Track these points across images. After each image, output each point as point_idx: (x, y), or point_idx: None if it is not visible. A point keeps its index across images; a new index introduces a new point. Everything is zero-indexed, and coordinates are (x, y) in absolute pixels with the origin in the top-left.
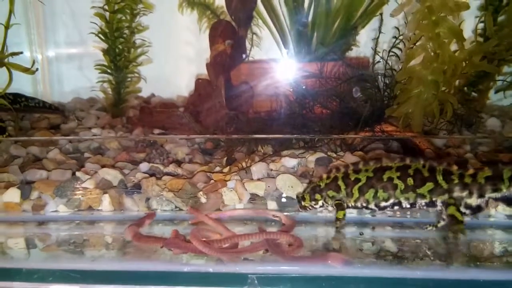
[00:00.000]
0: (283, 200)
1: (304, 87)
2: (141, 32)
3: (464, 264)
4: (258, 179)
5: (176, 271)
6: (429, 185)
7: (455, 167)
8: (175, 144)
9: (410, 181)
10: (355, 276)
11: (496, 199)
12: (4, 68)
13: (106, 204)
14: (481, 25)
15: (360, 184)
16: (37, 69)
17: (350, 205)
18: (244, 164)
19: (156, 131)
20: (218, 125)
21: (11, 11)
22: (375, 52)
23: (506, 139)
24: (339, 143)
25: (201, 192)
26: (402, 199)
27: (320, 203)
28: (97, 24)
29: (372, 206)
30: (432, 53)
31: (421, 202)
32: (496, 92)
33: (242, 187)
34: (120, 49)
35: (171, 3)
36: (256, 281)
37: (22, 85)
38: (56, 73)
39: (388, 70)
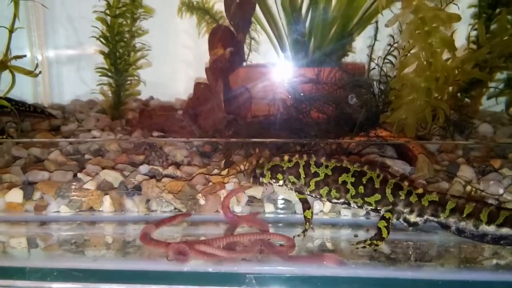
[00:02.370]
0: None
1: (301, 92)
2: (141, 36)
3: None
4: None
5: (176, 271)
6: (377, 196)
7: (406, 183)
8: (174, 146)
9: (361, 189)
10: (350, 276)
11: (432, 221)
12: (8, 70)
13: (107, 205)
14: (474, 33)
15: (317, 179)
16: (40, 72)
17: (306, 193)
18: (242, 167)
19: (155, 133)
20: (217, 129)
21: (15, 15)
22: (371, 59)
23: (497, 144)
24: (335, 147)
25: (200, 194)
26: (351, 202)
27: (280, 182)
28: (98, 28)
29: (324, 199)
30: (425, 62)
31: (368, 207)
32: (489, 98)
33: None
34: (120, 53)
35: (170, 7)
36: (253, 281)
37: (22, 87)
38: (56, 75)
39: (383, 77)
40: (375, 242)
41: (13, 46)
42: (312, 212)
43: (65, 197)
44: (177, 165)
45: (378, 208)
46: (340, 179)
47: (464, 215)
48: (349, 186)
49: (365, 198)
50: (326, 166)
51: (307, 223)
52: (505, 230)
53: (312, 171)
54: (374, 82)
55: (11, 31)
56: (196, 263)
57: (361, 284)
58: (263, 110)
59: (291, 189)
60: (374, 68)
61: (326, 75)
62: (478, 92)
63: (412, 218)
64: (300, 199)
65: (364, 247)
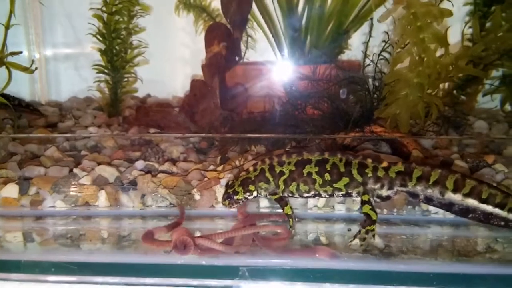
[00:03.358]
0: None
1: (297, 88)
2: (138, 33)
3: None
4: None
5: (170, 264)
6: (345, 179)
7: (369, 160)
8: (170, 143)
9: (327, 176)
10: (342, 269)
11: (402, 192)
12: (4, 67)
13: (102, 200)
14: (470, 31)
15: (284, 177)
16: (36, 69)
17: (280, 194)
18: (237, 163)
19: (152, 130)
20: (213, 125)
21: (11, 12)
22: (366, 55)
23: (491, 140)
24: (330, 143)
25: (195, 189)
26: (321, 192)
27: (254, 193)
28: (95, 25)
29: (296, 196)
30: (417, 57)
31: (338, 193)
32: (484, 95)
33: None
34: (117, 50)
35: (167, 5)
36: (247, 273)
37: (20, 84)
38: (53, 72)
39: (377, 73)
40: (369, 228)
41: (11, 43)
42: (291, 207)
43: (60, 192)
44: (173, 161)
45: (349, 192)
46: (305, 172)
47: (431, 183)
48: (314, 176)
49: (334, 185)
50: (289, 163)
51: (290, 219)
52: (470, 202)
53: (278, 171)
54: (369, 79)
55: (7, 27)
56: (190, 256)
57: (354, 277)
58: (259, 107)
59: (266, 196)
60: (369, 65)
61: (322, 72)
62: (474, 89)
63: (384, 192)
64: (275, 199)
65: (364, 238)
